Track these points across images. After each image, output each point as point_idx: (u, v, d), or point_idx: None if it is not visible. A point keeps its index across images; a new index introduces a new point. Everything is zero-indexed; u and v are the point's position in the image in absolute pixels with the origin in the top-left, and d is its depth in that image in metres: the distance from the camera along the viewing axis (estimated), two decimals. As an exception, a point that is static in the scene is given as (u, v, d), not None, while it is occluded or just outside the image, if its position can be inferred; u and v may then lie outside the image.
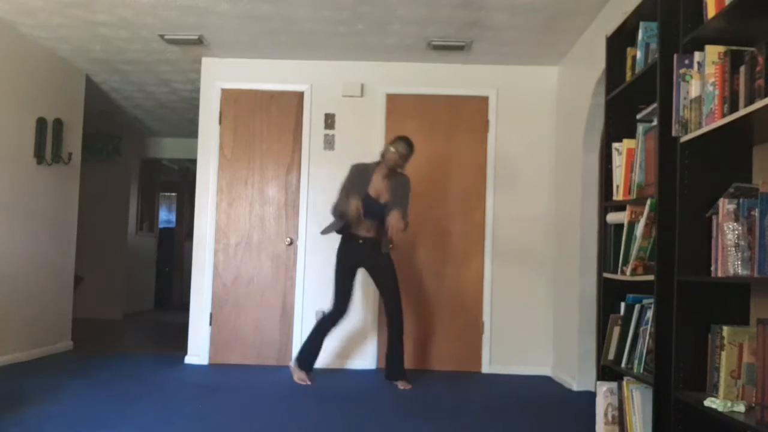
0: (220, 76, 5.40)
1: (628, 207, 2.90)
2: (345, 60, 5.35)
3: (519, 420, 3.66)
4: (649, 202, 2.67)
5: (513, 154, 5.32)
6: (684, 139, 2.42)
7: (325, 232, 4.57)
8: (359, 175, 4.48)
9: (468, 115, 5.37)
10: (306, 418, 3.56)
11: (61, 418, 3.31)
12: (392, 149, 4.41)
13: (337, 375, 4.89)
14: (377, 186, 4.47)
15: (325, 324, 4.52)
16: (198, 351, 5.25)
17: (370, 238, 4.49)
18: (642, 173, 2.85)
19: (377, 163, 4.51)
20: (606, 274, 3.13)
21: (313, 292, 5.29)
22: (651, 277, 2.64)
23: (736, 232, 2.13)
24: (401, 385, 4.42)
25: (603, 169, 3.40)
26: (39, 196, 5.25)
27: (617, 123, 3.15)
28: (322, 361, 5.17)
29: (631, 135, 2.97)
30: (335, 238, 4.68)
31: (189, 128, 7.78)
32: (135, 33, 4.83)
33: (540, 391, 4.55)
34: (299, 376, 4.51)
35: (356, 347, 5.25)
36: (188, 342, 5.28)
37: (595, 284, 4.50)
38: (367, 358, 5.25)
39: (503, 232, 5.28)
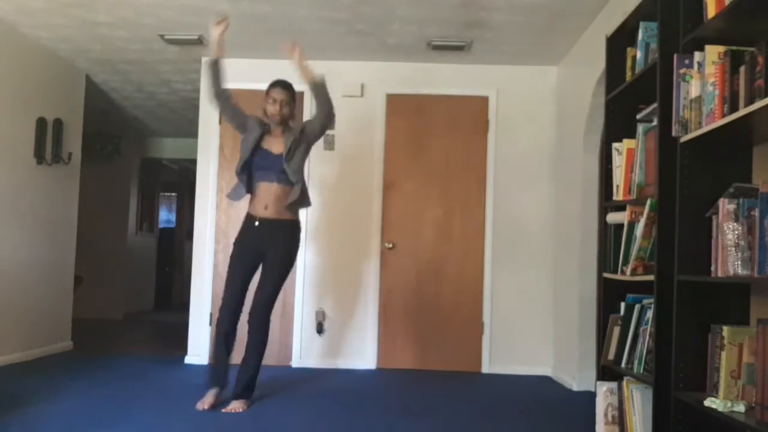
0: (220, 76, 5.39)
1: (628, 207, 2.90)
2: (345, 60, 5.35)
3: (519, 420, 3.66)
4: (649, 202, 2.67)
5: (513, 154, 5.31)
6: (684, 139, 2.42)
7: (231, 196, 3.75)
8: (252, 125, 3.72)
9: (468, 115, 5.36)
10: (306, 418, 3.56)
11: (61, 418, 3.31)
12: (269, 101, 3.68)
13: (337, 375, 4.89)
14: (269, 143, 3.71)
15: (221, 333, 3.67)
16: (198, 351, 5.25)
17: (269, 219, 3.65)
18: (642, 173, 2.85)
19: (264, 124, 3.75)
20: (606, 274, 3.13)
21: (313, 292, 5.28)
22: (651, 277, 2.64)
23: (736, 232, 2.13)
24: (235, 406, 3.57)
25: (603, 169, 3.40)
26: (39, 196, 5.25)
27: (617, 123, 3.15)
28: (321, 361, 5.18)
29: (631, 135, 2.96)
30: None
31: (189, 128, 7.77)
32: (135, 33, 4.83)
33: (540, 391, 4.55)
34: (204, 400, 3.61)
35: (356, 347, 5.25)
36: (188, 342, 5.28)
37: (595, 284, 4.50)
38: (366, 358, 5.24)
39: (503, 232, 5.28)
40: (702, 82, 2.35)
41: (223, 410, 3.55)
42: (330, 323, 5.24)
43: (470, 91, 5.36)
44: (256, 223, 3.68)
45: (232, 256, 3.75)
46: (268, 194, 3.67)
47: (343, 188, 5.30)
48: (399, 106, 5.38)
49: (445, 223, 5.32)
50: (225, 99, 3.74)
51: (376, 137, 5.32)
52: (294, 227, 3.76)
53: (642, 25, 2.88)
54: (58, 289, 5.59)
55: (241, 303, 3.73)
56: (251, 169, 3.71)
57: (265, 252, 3.69)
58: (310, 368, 5.14)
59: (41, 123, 5.20)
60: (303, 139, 3.73)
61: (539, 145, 5.33)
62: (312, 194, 5.30)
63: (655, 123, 2.70)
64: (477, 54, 5.11)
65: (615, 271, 3.03)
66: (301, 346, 5.24)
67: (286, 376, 4.75)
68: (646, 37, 2.86)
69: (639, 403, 2.74)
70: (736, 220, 2.14)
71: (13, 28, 4.82)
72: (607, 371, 3.06)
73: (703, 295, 2.40)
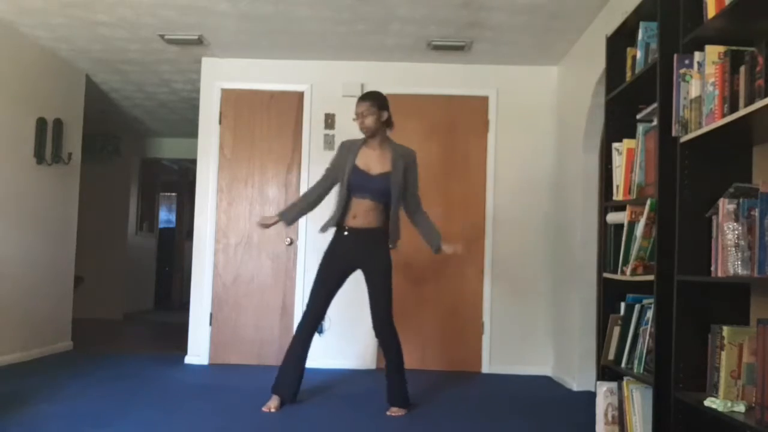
0: (220, 76, 5.40)
1: (628, 207, 2.90)
2: (345, 60, 5.35)
3: (519, 420, 3.66)
4: (649, 202, 2.67)
5: (513, 154, 5.31)
6: (684, 139, 2.42)
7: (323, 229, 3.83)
8: (345, 152, 3.81)
9: (468, 115, 5.37)
10: (306, 419, 3.56)
11: (61, 418, 3.31)
12: (354, 117, 3.79)
13: (337, 375, 4.89)
14: (367, 158, 3.76)
15: (298, 337, 3.81)
16: (198, 351, 5.25)
17: (358, 228, 3.71)
18: (642, 173, 2.85)
19: (353, 144, 3.88)
20: (606, 274, 3.13)
21: (313, 292, 5.27)
22: (651, 277, 2.64)
23: (736, 232, 2.13)
24: (394, 411, 3.67)
25: (603, 169, 3.40)
26: (39, 196, 5.25)
27: (617, 123, 3.15)
28: (321, 361, 5.18)
29: (631, 135, 2.97)
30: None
31: (189, 128, 7.77)
32: (135, 33, 4.83)
33: (540, 391, 4.55)
34: (270, 404, 3.67)
35: (357, 347, 5.25)
36: (188, 342, 5.28)
37: (595, 284, 4.50)
38: (367, 358, 5.24)
39: (503, 232, 5.28)
40: (702, 82, 2.35)
41: (387, 413, 3.64)
42: (330, 323, 5.24)
43: (470, 91, 5.36)
44: (345, 233, 3.73)
45: (320, 266, 3.79)
46: (358, 207, 3.72)
47: (343, 188, 5.29)
48: (399, 106, 5.36)
49: (445, 224, 5.31)
50: (321, 195, 3.94)
51: (376, 137, 5.31)
52: (383, 234, 3.77)
53: (642, 25, 2.88)
54: (58, 289, 5.59)
55: (325, 311, 3.80)
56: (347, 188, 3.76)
57: (360, 263, 3.75)
58: (310, 368, 5.12)
59: (41, 123, 5.21)
60: (404, 175, 3.77)
61: (539, 145, 5.33)
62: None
63: (655, 123, 2.70)
64: (477, 54, 5.11)
65: (615, 271, 3.03)
66: (301, 346, 5.23)
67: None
68: (646, 37, 2.86)
69: (639, 403, 2.74)
70: (736, 220, 2.14)
71: (13, 28, 4.82)
72: (607, 371, 3.06)
73: (703, 295, 2.40)
